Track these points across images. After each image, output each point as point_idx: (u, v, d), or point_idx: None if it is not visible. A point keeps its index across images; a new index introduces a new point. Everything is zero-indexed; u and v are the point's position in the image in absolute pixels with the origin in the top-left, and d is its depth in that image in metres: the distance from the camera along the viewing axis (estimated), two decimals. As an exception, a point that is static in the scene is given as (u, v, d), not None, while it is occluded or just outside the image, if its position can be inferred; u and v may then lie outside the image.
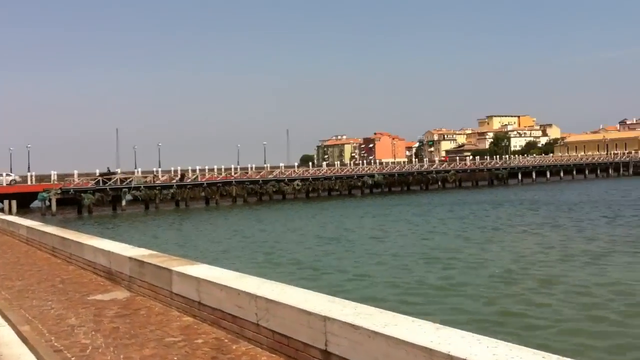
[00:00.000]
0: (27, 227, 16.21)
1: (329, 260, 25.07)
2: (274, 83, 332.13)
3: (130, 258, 8.86)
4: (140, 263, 8.47)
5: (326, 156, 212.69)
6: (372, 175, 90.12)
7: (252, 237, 36.27)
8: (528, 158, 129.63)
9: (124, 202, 68.03)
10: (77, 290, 9.22)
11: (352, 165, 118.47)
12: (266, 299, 5.43)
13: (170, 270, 7.49)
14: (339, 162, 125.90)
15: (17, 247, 15.73)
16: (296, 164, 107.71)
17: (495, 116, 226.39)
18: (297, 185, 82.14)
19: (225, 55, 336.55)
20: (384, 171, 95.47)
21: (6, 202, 70.34)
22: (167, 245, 29.31)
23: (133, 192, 68.52)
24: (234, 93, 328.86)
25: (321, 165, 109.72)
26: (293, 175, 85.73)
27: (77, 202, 68.22)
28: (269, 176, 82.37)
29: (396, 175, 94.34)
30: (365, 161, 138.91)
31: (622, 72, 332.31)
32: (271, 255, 27.41)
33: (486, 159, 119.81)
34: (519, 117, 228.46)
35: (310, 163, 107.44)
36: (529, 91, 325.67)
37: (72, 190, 66.62)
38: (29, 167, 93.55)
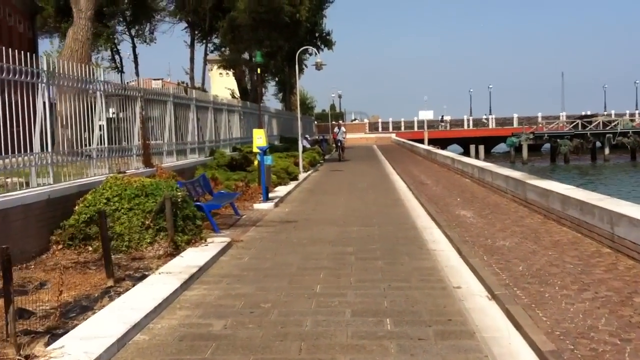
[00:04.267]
0: (581, 202, 8.23)
1: None
2: None
3: None
4: None
5: None
6: None
7: None
8: None
9: (607, 150, 57.08)
10: None
11: None
12: None
13: None
14: None
15: (584, 252, 7.85)
16: None
17: None
18: None
19: None
20: None
21: (472, 147, 67.33)
22: None
23: (619, 138, 56.79)
24: None
25: None
26: None
27: (538, 148, 61.83)
28: None
29: None
30: None
31: None
32: None
33: None
34: None
35: None
36: None
37: (545, 134, 58.86)
38: (490, 110, 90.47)
